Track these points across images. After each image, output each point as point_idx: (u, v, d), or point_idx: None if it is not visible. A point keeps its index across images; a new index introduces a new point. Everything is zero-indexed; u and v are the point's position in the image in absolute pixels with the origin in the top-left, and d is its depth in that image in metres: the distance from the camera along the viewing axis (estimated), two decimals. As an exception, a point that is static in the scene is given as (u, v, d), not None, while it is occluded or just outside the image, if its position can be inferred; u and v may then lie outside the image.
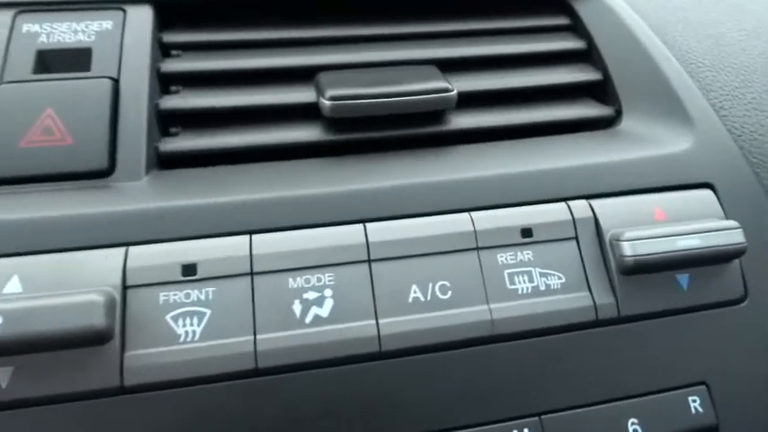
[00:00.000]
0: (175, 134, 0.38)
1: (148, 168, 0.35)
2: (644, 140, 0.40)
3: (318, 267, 0.32)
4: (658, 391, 0.34)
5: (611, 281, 0.34)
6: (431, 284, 0.33)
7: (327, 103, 0.37)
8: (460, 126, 0.40)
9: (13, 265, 0.30)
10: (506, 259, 0.34)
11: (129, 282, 0.31)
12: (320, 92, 0.38)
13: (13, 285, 0.30)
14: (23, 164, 0.34)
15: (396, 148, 0.39)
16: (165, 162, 0.37)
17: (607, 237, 0.35)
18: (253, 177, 0.35)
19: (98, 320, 0.29)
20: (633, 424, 0.33)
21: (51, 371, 0.29)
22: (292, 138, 0.38)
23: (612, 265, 0.34)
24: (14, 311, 0.28)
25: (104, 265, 0.31)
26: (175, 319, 0.31)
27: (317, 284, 0.32)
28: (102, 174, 0.35)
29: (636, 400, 0.33)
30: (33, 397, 0.29)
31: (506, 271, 0.34)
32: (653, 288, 0.34)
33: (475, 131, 0.40)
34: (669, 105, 0.41)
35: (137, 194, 0.34)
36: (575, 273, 0.34)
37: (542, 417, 0.32)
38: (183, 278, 0.31)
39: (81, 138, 0.35)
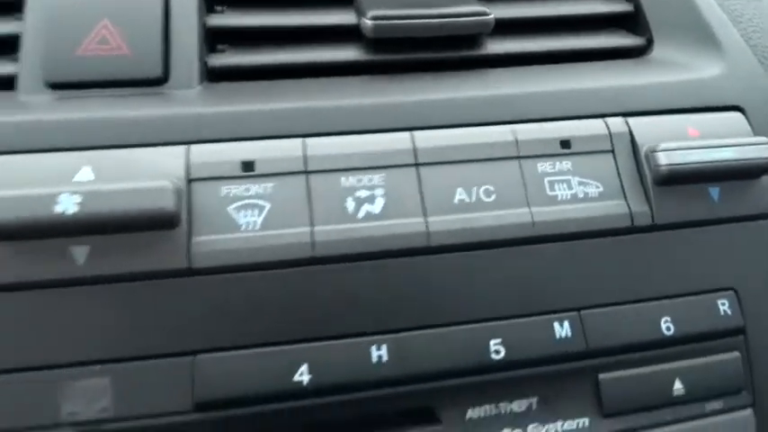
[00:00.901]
0: (222, 51, 0.39)
1: (200, 79, 0.37)
2: (675, 66, 0.41)
3: (369, 169, 0.34)
4: (689, 294, 0.35)
5: (645, 191, 0.36)
6: (475, 188, 0.35)
7: (369, 22, 0.38)
8: (496, 51, 0.41)
9: (84, 157, 0.32)
10: (546, 168, 0.36)
11: (193, 175, 0.33)
12: (361, 13, 0.39)
13: (86, 174, 0.32)
14: (81, 70, 0.36)
15: (433, 71, 0.40)
16: (213, 76, 0.38)
17: (642, 150, 0.36)
18: (301, 89, 0.37)
19: (168, 204, 0.30)
20: (666, 321, 0.34)
21: (124, 251, 0.31)
22: (335, 57, 0.39)
23: (648, 176, 0.36)
24: (92, 193, 0.30)
25: (169, 160, 0.33)
26: (237, 210, 0.32)
27: (368, 184, 0.34)
28: (157, 82, 0.37)
29: (668, 300, 0.35)
30: (107, 274, 0.31)
31: (546, 179, 0.35)
32: (685, 199, 0.36)
33: (510, 56, 0.41)
34: (699, 35, 0.42)
35: (193, 100, 0.36)
36: (611, 183, 0.36)
37: (581, 312, 0.34)
38: (242, 174, 0.33)
39: (135, 47, 0.37)
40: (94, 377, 0.30)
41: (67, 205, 0.30)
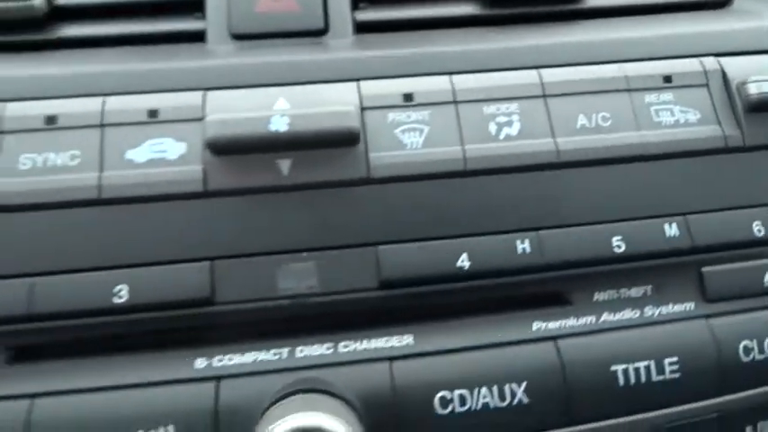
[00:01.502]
0: (364, 8, 0.47)
1: (353, 31, 0.44)
2: (756, 15, 0.47)
3: (506, 99, 0.41)
4: None
5: (737, 118, 0.42)
6: (594, 115, 0.41)
7: None
8: (597, 4, 0.48)
9: (281, 91, 0.40)
10: (652, 99, 0.42)
11: (365, 105, 0.40)
12: None
13: (283, 104, 0.39)
14: (260, 24, 0.44)
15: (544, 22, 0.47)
16: (360, 29, 0.45)
17: (733, 84, 0.43)
18: (439, 37, 0.44)
19: (354, 124, 0.38)
20: (757, 225, 0.41)
21: (318, 164, 0.38)
22: (459, 12, 0.46)
23: (738, 105, 0.42)
24: (298, 115, 0.37)
25: (344, 93, 0.40)
26: (401, 132, 0.40)
27: (505, 112, 0.41)
28: (319, 33, 0.44)
29: (759, 208, 0.41)
30: (306, 182, 0.38)
31: (652, 107, 0.42)
32: None
33: (609, 9, 0.48)
34: None
35: (352, 46, 0.43)
36: (707, 111, 0.42)
37: (687, 216, 0.40)
38: (404, 104, 0.40)
39: (302, 4, 0.44)
40: (303, 261, 0.37)
41: (279, 125, 0.37)
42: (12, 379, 0.35)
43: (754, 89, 0.42)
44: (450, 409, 0.35)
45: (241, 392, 0.35)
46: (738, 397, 0.39)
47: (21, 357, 0.36)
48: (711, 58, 0.44)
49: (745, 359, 0.39)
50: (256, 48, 0.43)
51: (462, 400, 0.36)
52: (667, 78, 0.43)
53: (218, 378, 0.35)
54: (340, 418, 0.32)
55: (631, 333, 0.38)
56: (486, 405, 0.36)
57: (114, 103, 0.39)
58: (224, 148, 0.37)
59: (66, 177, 0.37)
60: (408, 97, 0.40)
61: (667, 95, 0.43)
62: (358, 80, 0.41)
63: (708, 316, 0.39)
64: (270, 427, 0.32)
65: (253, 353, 0.36)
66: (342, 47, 0.43)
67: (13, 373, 0.36)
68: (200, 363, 0.36)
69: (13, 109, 0.39)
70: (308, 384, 0.35)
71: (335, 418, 0.32)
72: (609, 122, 0.41)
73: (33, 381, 0.35)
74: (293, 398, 0.34)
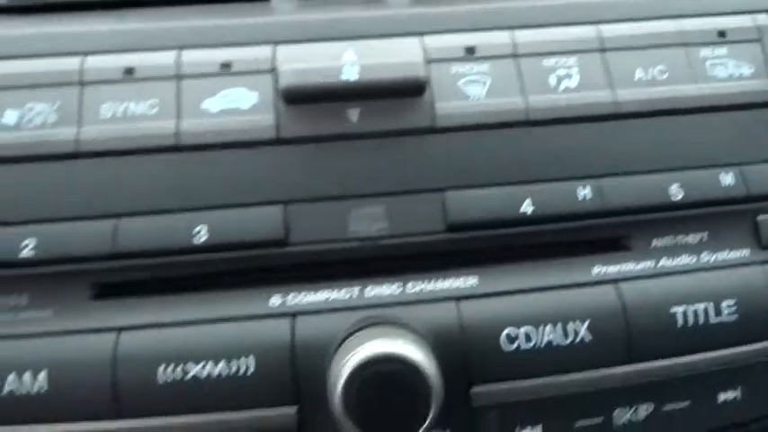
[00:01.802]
0: None
1: None
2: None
3: (566, 53, 0.42)
4: None
5: None
6: (650, 68, 0.43)
7: None
8: None
9: (347, 45, 0.41)
10: (707, 53, 0.43)
11: (430, 58, 0.41)
12: None
13: (350, 56, 0.41)
14: None
15: None
16: None
17: None
18: None
19: (421, 73, 0.39)
20: None
21: (384, 113, 0.40)
22: None
23: None
24: (367, 65, 0.39)
25: (410, 47, 0.42)
26: (464, 84, 0.41)
27: (565, 65, 0.42)
28: None
29: None
30: (374, 131, 0.40)
31: (707, 61, 0.43)
32: None
33: None
34: None
35: (407, 4, 0.44)
36: (760, 65, 0.43)
37: (742, 166, 0.41)
38: (466, 56, 0.42)
39: None
40: (373, 206, 0.39)
41: (350, 74, 0.39)
42: (97, 314, 0.37)
43: (807, 43, 0.43)
44: (516, 345, 0.37)
45: (315, 327, 0.37)
46: (793, 340, 0.40)
47: (105, 294, 0.38)
48: (764, 15, 0.45)
49: (800, 303, 0.40)
50: (319, 5, 0.44)
51: (528, 336, 0.37)
52: (721, 33, 0.44)
53: (292, 314, 0.37)
54: (415, 347, 0.34)
55: (689, 277, 0.40)
56: (550, 342, 0.37)
57: (189, 56, 0.41)
58: (297, 97, 0.39)
59: (146, 125, 0.39)
60: (471, 50, 0.42)
61: (721, 50, 0.44)
62: (421, 34, 0.42)
63: (763, 262, 0.41)
64: (348, 356, 0.33)
65: (325, 291, 0.38)
66: (396, 4, 0.45)
67: (98, 308, 0.37)
68: (275, 300, 0.38)
69: (93, 62, 0.40)
70: (381, 319, 0.36)
71: (411, 346, 0.33)
72: (665, 75, 0.42)
73: (118, 315, 0.37)
74: (367, 330, 0.35)
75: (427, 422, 0.33)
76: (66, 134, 0.39)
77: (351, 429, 0.33)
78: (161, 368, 0.36)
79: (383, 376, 0.32)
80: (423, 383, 0.32)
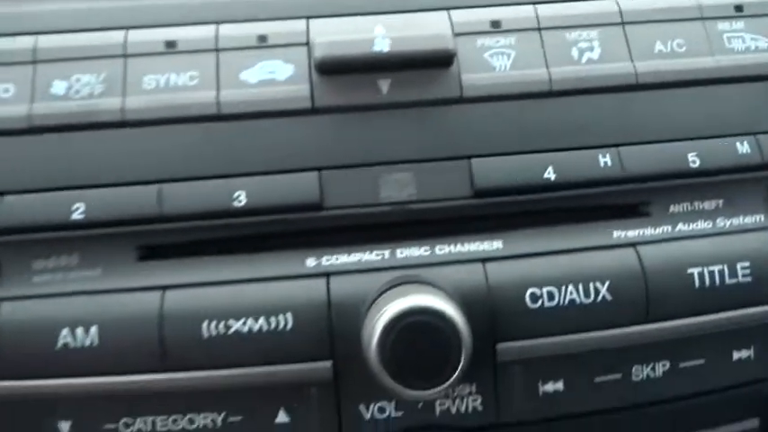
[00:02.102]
0: None
1: None
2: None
3: (588, 26, 0.44)
4: None
5: None
6: (669, 41, 0.44)
7: None
8: None
9: (377, 19, 0.43)
10: (724, 27, 0.45)
11: (456, 31, 0.43)
12: None
13: (381, 30, 0.43)
14: None
15: None
16: None
17: None
18: None
19: (449, 46, 0.41)
20: None
21: (414, 83, 0.42)
22: None
23: None
24: (398, 37, 0.41)
25: (437, 21, 0.43)
26: (490, 56, 0.43)
27: (587, 38, 0.44)
28: None
29: None
30: (404, 101, 0.41)
31: (725, 34, 0.45)
32: None
33: None
34: None
35: None
36: None
37: (757, 135, 0.43)
38: (491, 30, 0.43)
39: None
40: (402, 172, 0.41)
41: (382, 46, 0.41)
42: (143, 274, 0.40)
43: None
44: (539, 304, 0.39)
45: (349, 287, 0.39)
46: (806, 302, 0.42)
47: (150, 255, 0.40)
48: None
49: (812, 266, 0.42)
50: None
51: (551, 295, 0.39)
52: (738, 8, 0.45)
53: (327, 275, 0.39)
54: (445, 302, 0.36)
55: (705, 241, 0.41)
56: (572, 301, 0.39)
57: (227, 29, 0.43)
58: (330, 68, 0.41)
59: (187, 95, 0.41)
60: (496, 24, 0.43)
61: (738, 24, 0.45)
62: (448, 9, 0.44)
63: (777, 227, 0.42)
64: (383, 310, 0.35)
65: (357, 253, 0.40)
66: None
67: (144, 268, 0.40)
68: (311, 261, 0.40)
69: (136, 35, 0.42)
70: (411, 279, 0.39)
71: (442, 301, 0.35)
72: (683, 48, 0.44)
73: (163, 275, 0.39)
74: (398, 288, 0.37)
75: (458, 371, 0.35)
76: (111, 104, 0.41)
77: (385, 379, 0.35)
78: (205, 324, 0.38)
79: (417, 328, 0.34)
80: (454, 334, 0.35)
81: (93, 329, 0.38)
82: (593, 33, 0.44)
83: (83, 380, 0.38)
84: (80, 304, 0.39)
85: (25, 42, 0.42)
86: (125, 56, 0.42)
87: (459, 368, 0.35)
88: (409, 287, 0.37)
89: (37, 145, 0.40)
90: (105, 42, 0.42)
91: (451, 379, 0.35)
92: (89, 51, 0.42)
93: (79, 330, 0.38)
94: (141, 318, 0.38)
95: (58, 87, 0.41)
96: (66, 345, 0.38)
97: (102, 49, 0.42)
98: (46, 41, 0.42)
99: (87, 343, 0.38)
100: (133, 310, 0.38)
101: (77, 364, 0.38)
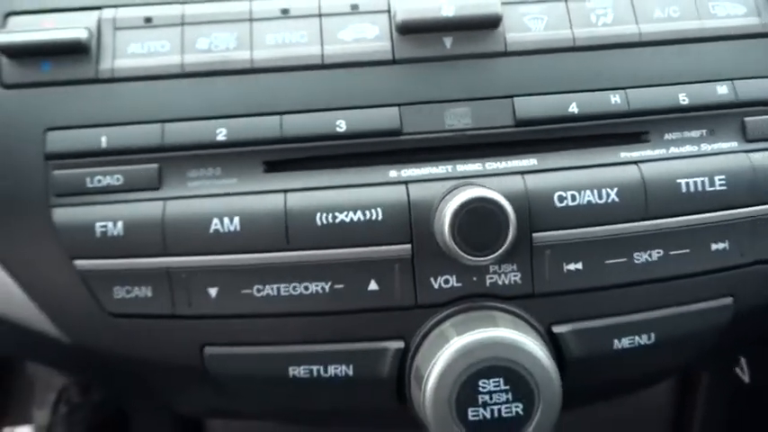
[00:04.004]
0: None
1: None
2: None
3: None
4: None
5: None
6: (667, 8, 0.57)
7: None
8: None
9: (441, -10, 0.56)
10: None
11: (503, 1, 0.56)
12: None
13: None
14: None
15: None
16: None
17: None
18: None
19: (498, 11, 0.54)
20: None
21: (470, 40, 0.55)
22: None
23: None
24: (458, 5, 0.54)
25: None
26: (528, 20, 0.56)
27: (602, 6, 0.57)
28: None
29: None
30: (463, 53, 0.55)
31: (710, 3, 0.57)
32: None
33: None
34: None
35: None
36: (751, 7, 0.57)
37: (735, 81, 0.56)
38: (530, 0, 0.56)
39: None
40: (462, 107, 0.54)
41: (447, 12, 0.54)
42: (269, 181, 0.53)
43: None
44: (564, 203, 0.52)
45: (423, 189, 0.52)
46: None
47: (274, 168, 0.54)
48: None
49: (774, 179, 0.55)
50: None
51: (573, 197, 0.52)
52: None
53: (406, 182, 0.53)
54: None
55: (691, 160, 0.54)
56: (589, 201, 0.52)
57: (328, 0, 0.56)
58: (407, 29, 0.54)
59: (300, 50, 0.55)
60: None
61: None
62: None
63: (747, 151, 0.55)
64: (453, 199, 0.49)
65: (428, 167, 0.53)
66: None
67: (269, 178, 0.54)
68: (393, 173, 0.53)
69: (258, 5, 0.56)
70: (469, 183, 0.52)
71: (495, 194, 0.49)
72: (678, 14, 0.57)
73: (284, 182, 0.53)
74: (460, 189, 0.51)
75: (507, 244, 0.48)
76: (243, 55, 0.55)
77: (454, 250, 0.49)
78: (318, 215, 0.52)
79: (478, 210, 0.48)
80: (505, 216, 0.48)
81: (236, 219, 0.52)
82: (608, 2, 0.57)
83: (228, 256, 0.52)
84: (225, 202, 0.52)
85: (176, 10, 0.56)
86: (251, 20, 0.56)
87: (508, 241, 0.48)
88: (469, 188, 0.51)
89: (189, 86, 0.54)
90: (236, 10, 0.56)
91: (502, 249, 0.49)
92: (224, 17, 0.56)
93: (226, 220, 0.52)
94: (271, 211, 0.52)
95: (202, 43, 0.55)
96: (216, 230, 0.52)
97: (234, 15, 0.56)
98: (191, 9, 0.56)
99: (232, 229, 0.52)
100: (265, 206, 0.52)
101: (224, 245, 0.52)
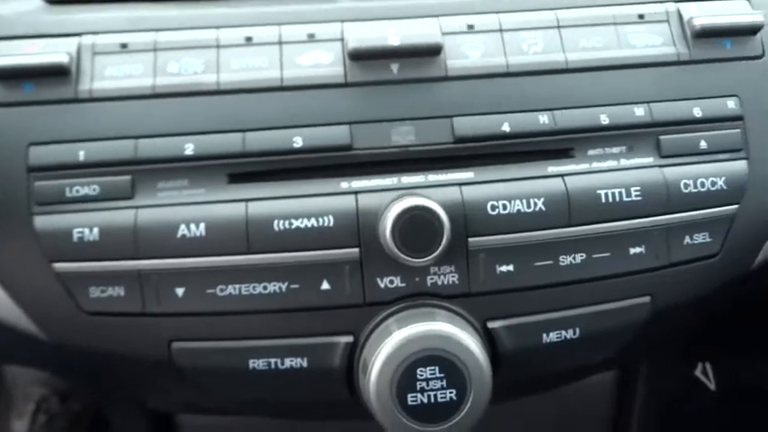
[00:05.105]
0: None
1: None
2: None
3: (533, 29, 0.64)
4: (715, 96, 0.63)
5: (687, 42, 0.64)
6: (591, 39, 0.64)
7: None
8: None
9: (390, 23, 0.63)
10: (629, 29, 0.64)
11: (443, 32, 0.63)
12: None
13: (392, 30, 0.62)
14: None
15: None
16: None
17: (686, 19, 0.65)
18: None
19: (439, 41, 0.61)
20: (696, 109, 0.63)
21: (415, 66, 0.61)
22: None
23: (688, 34, 0.64)
24: (403, 36, 0.60)
25: (431, 24, 0.63)
26: (467, 48, 0.63)
27: (534, 37, 0.63)
28: None
29: (699, 100, 0.63)
30: (409, 78, 0.61)
31: (629, 35, 0.64)
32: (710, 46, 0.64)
33: None
34: None
35: None
36: (667, 37, 0.64)
37: (651, 103, 0.63)
38: (468, 30, 0.63)
39: None
40: (407, 126, 0.60)
41: (393, 41, 0.60)
42: (232, 191, 0.59)
43: (697, 22, 0.64)
44: (497, 211, 0.59)
45: (371, 199, 0.58)
46: (680, 215, 0.61)
47: (236, 179, 0.60)
48: (671, 3, 0.66)
49: (684, 191, 0.61)
50: None
51: (504, 206, 0.59)
52: (641, 16, 0.65)
53: (356, 192, 0.59)
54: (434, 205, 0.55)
55: (611, 174, 0.61)
56: (519, 210, 0.59)
57: (287, 29, 0.62)
58: (358, 56, 0.60)
59: (261, 74, 0.61)
60: (471, 27, 0.63)
61: (640, 27, 0.65)
62: (437, 16, 0.64)
63: (661, 165, 0.62)
64: (394, 207, 0.55)
65: (376, 180, 0.59)
66: None
67: (233, 188, 0.59)
68: (345, 184, 0.59)
69: (225, 33, 0.62)
70: (412, 194, 0.58)
71: (432, 204, 0.55)
72: (601, 44, 0.64)
73: (246, 192, 0.59)
74: (404, 197, 0.57)
75: (442, 246, 0.54)
76: (210, 78, 0.60)
77: (395, 252, 0.55)
78: (275, 222, 0.57)
79: (416, 217, 0.54)
80: (440, 222, 0.54)
81: (202, 225, 0.57)
82: (538, 33, 0.63)
83: (194, 259, 0.57)
84: (192, 210, 0.58)
85: (149, 37, 0.62)
86: (218, 47, 0.62)
87: (443, 245, 0.55)
88: (411, 195, 0.57)
89: (160, 106, 0.60)
90: (204, 37, 0.62)
91: (437, 251, 0.55)
92: (193, 43, 0.62)
93: (192, 226, 0.57)
94: (233, 218, 0.57)
95: (173, 67, 0.61)
96: (184, 236, 0.57)
97: (203, 42, 0.62)
98: (163, 36, 0.62)
99: (198, 234, 0.57)
100: (228, 214, 0.58)
101: (191, 249, 0.57)
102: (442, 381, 0.53)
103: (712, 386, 1.36)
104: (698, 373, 1.36)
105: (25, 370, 0.99)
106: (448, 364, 0.53)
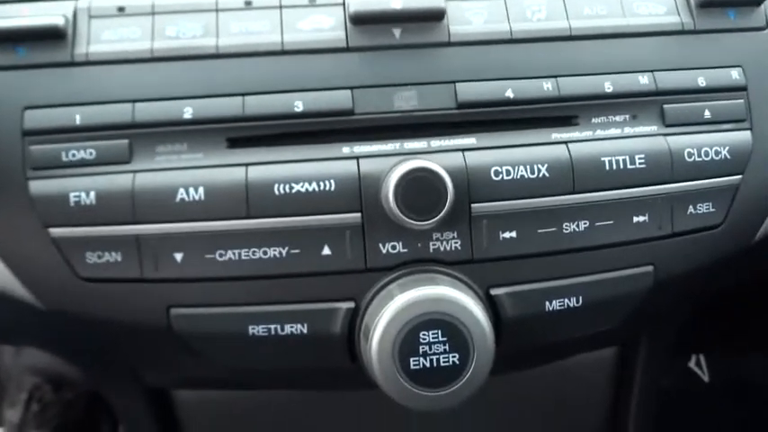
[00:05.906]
0: None
1: None
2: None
3: None
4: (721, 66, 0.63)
5: (691, 11, 0.64)
6: (595, 6, 0.63)
7: None
8: None
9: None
10: None
11: (446, -3, 0.62)
12: None
13: (394, -5, 0.62)
14: None
15: None
16: None
17: None
18: None
19: (442, 5, 0.60)
20: (700, 79, 0.63)
21: (417, 31, 0.60)
22: None
23: (692, 3, 0.64)
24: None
25: (433, -10, 0.62)
26: (470, 14, 0.62)
27: (537, 3, 0.63)
28: None
29: (704, 70, 0.63)
30: (411, 43, 0.60)
31: (634, 3, 0.64)
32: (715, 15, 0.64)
33: None
34: None
35: None
36: (671, 6, 0.64)
37: (655, 72, 0.62)
38: None
39: None
40: (409, 91, 0.59)
41: (396, 5, 0.60)
42: (232, 156, 0.58)
43: (703, -8, 0.64)
44: (500, 177, 0.58)
45: (372, 164, 0.57)
46: (684, 184, 0.61)
47: (236, 144, 0.59)
48: None
49: (688, 159, 0.61)
50: None
51: (508, 172, 0.58)
52: None
53: (357, 158, 0.58)
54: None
55: (615, 141, 0.61)
56: (522, 176, 0.58)
57: None
58: (360, 19, 0.60)
59: (261, 38, 0.60)
60: None
61: None
62: None
63: (665, 134, 0.62)
64: (397, 169, 0.54)
65: (378, 145, 0.59)
66: None
67: (232, 153, 0.58)
68: (346, 149, 0.59)
69: None
70: (414, 158, 0.58)
71: (436, 165, 0.55)
72: (605, 11, 0.63)
73: (245, 157, 0.58)
74: (407, 160, 0.56)
75: (446, 208, 0.54)
76: (209, 42, 0.60)
77: (398, 216, 0.54)
78: (276, 186, 0.56)
79: (419, 179, 0.53)
80: (443, 184, 0.54)
81: (201, 189, 0.56)
82: (542, 0, 0.63)
83: (193, 224, 0.56)
84: (191, 174, 0.57)
85: (147, 1, 0.61)
86: (217, 10, 0.61)
87: (447, 206, 0.54)
88: (411, 160, 0.56)
89: (158, 70, 0.59)
90: (203, 1, 0.61)
91: (441, 214, 0.54)
92: (192, 7, 0.61)
93: (191, 190, 0.56)
94: (232, 182, 0.57)
95: (171, 31, 0.60)
96: (182, 200, 0.56)
97: (201, 5, 0.61)
98: (161, 0, 0.61)
99: (196, 198, 0.56)
100: (227, 178, 0.57)
101: (190, 213, 0.56)
102: (444, 345, 0.52)
103: (706, 378, 1.36)
104: (692, 364, 1.37)
105: (18, 358, 0.98)
106: (451, 327, 0.52)
